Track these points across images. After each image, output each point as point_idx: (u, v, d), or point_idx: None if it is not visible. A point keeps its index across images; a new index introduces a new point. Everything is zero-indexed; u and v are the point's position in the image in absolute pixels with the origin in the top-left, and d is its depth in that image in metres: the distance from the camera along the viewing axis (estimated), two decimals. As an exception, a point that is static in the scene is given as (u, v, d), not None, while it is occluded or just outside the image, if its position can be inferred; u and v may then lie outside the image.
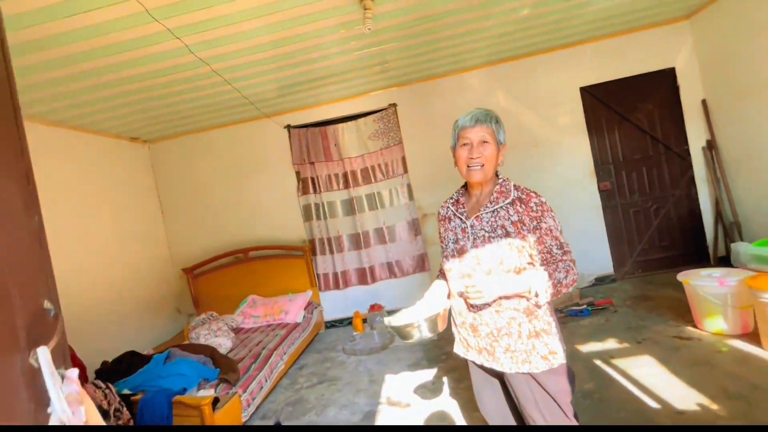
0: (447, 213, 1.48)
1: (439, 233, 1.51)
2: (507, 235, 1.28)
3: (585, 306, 3.43)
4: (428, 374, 2.86)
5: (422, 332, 1.31)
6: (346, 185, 4.39)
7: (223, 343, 3.24)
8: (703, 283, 2.61)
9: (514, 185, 1.37)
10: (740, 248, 3.20)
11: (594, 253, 4.17)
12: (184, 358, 2.71)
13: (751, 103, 3.49)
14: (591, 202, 4.18)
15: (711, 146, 3.98)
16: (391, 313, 4.20)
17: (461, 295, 1.34)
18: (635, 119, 4.10)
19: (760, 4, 3.19)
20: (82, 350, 2.78)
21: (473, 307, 1.35)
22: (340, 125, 4.38)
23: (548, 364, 1.28)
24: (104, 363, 2.89)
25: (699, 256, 4.09)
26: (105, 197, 3.82)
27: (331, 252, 4.39)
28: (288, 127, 4.44)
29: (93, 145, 3.82)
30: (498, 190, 1.35)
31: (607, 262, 4.19)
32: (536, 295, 1.22)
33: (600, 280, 4.15)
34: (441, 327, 1.36)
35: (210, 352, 2.88)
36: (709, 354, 2.40)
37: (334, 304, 4.41)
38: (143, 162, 4.52)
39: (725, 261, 3.85)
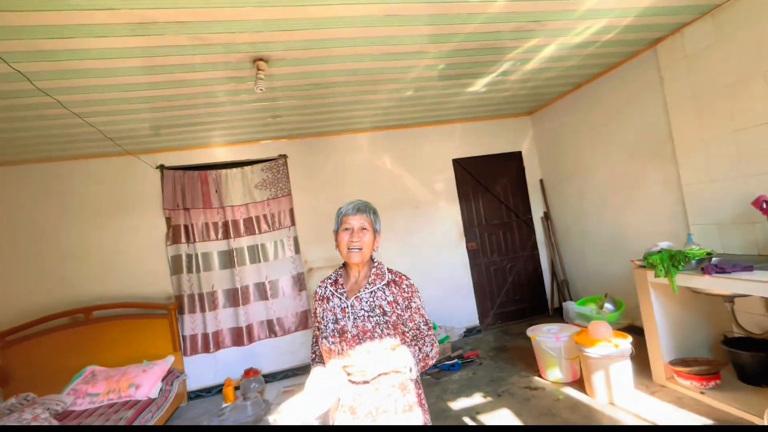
0: (326, 293, 1.49)
1: (315, 313, 1.50)
2: (384, 314, 1.38)
3: (456, 360, 3.72)
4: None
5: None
6: (226, 235, 4.07)
7: (39, 438, 2.52)
8: (544, 338, 3.10)
9: (388, 269, 1.50)
10: (569, 306, 3.93)
11: (463, 306, 4.62)
12: (-29, 472, 2.01)
13: (572, 186, 4.46)
14: (461, 260, 4.68)
15: (547, 217, 4.91)
16: (267, 377, 3.91)
17: (343, 368, 1.33)
18: (494, 190, 4.85)
19: (578, 111, 4.20)
20: None
21: (353, 383, 1.35)
22: (224, 171, 4.12)
23: None
24: None
25: (541, 308, 4.88)
26: None
27: (203, 310, 3.92)
28: (161, 167, 3.98)
29: None
30: (375, 273, 1.47)
31: (473, 315, 4.67)
32: (410, 370, 1.32)
33: (469, 331, 4.58)
34: (332, 420, 1.32)
35: (16, 456, 2.21)
36: (550, 403, 2.81)
37: (202, 370, 3.88)
38: (-58, 194, 3.47)
39: (560, 311, 4.66)
